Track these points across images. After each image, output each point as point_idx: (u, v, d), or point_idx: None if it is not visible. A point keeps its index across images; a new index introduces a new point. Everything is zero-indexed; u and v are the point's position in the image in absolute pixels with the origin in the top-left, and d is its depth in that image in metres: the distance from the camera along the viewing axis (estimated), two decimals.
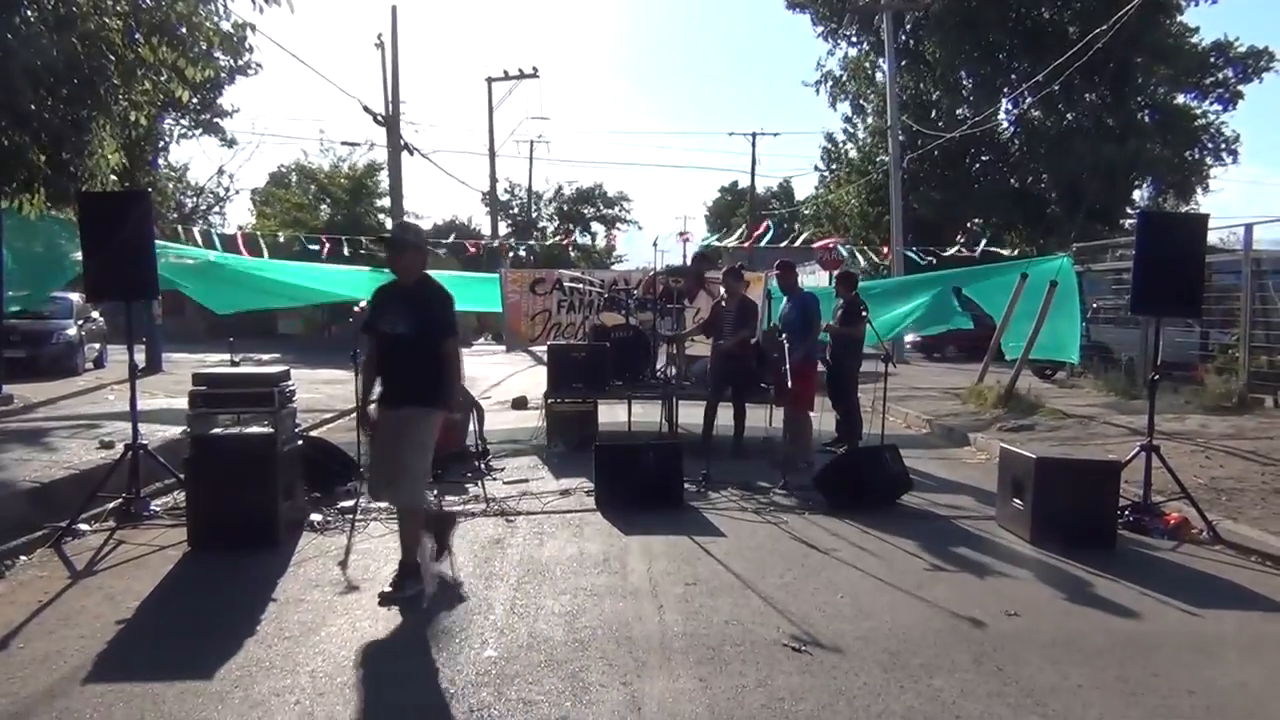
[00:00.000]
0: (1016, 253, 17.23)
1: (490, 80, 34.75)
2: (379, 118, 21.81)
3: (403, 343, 5.14)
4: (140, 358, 12.00)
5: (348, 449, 7.94)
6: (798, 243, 23.71)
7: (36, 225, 10.44)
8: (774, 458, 8.41)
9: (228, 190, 35.51)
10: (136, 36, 10.19)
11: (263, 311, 17.95)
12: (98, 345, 18.69)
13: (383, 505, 7.23)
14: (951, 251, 17.40)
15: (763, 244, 21.29)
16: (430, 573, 5.27)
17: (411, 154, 23.53)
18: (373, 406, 5.37)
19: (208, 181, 35.04)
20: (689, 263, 10.69)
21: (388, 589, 5.02)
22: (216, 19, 11.44)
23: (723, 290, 9.94)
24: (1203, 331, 13.77)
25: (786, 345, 8.27)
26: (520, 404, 13.84)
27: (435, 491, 7.52)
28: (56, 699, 3.78)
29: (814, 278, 23.82)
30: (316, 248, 18.33)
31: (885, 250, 22.47)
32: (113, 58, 9.71)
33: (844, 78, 33.79)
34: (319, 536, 6.37)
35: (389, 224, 25.63)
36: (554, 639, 4.45)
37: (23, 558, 5.75)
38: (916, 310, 14.14)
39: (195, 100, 16.51)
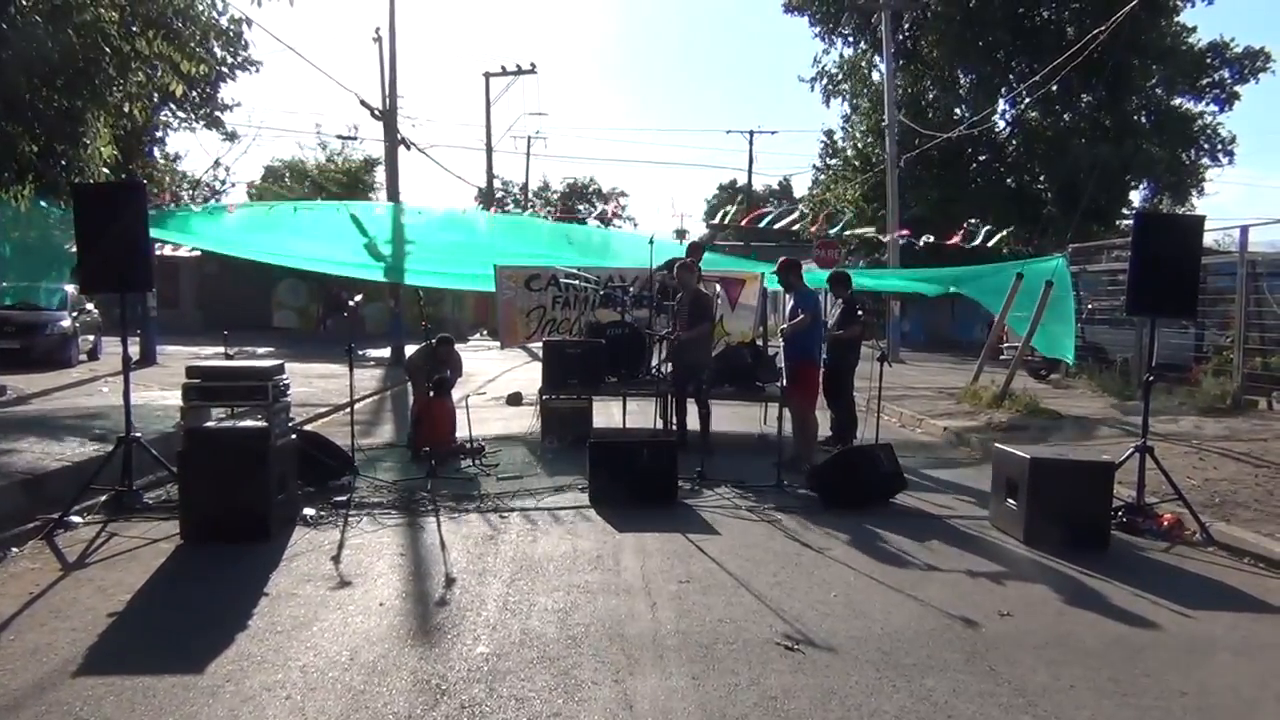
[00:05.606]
0: (1006, 251, 17.25)
1: (488, 75, 34.77)
2: (376, 112, 21.72)
3: None
4: (135, 350, 12.00)
5: (342, 444, 7.93)
6: (784, 221, 23.03)
7: (31, 216, 10.42)
8: (773, 456, 8.41)
9: (224, 183, 35.24)
10: (133, 28, 10.16)
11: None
12: (92, 337, 18.62)
13: (378, 500, 7.26)
14: (951, 242, 17.37)
15: (761, 224, 20.93)
16: None
17: (409, 149, 23.41)
18: None
19: (204, 174, 34.77)
20: (686, 254, 10.62)
21: None
22: (214, 14, 11.42)
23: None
24: (1198, 333, 13.81)
25: (783, 343, 8.21)
26: (515, 400, 13.84)
27: (429, 488, 7.51)
28: (47, 691, 3.77)
29: (809, 274, 23.62)
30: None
31: (880, 236, 22.46)
32: (109, 49, 9.68)
33: (840, 76, 33.73)
34: (312, 531, 6.35)
35: None
36: (546, 636, 4.44)
37: (14, 549, 5.73)
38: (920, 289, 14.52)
39: (194, 94, 16.44)
